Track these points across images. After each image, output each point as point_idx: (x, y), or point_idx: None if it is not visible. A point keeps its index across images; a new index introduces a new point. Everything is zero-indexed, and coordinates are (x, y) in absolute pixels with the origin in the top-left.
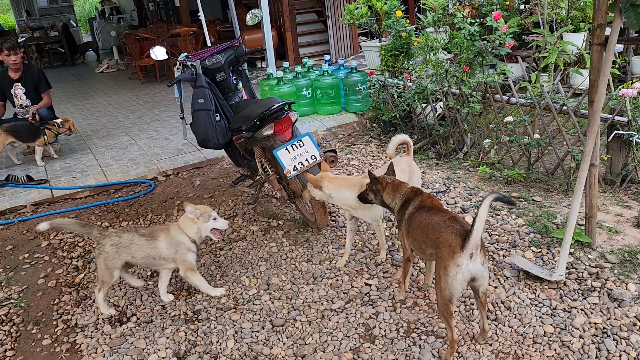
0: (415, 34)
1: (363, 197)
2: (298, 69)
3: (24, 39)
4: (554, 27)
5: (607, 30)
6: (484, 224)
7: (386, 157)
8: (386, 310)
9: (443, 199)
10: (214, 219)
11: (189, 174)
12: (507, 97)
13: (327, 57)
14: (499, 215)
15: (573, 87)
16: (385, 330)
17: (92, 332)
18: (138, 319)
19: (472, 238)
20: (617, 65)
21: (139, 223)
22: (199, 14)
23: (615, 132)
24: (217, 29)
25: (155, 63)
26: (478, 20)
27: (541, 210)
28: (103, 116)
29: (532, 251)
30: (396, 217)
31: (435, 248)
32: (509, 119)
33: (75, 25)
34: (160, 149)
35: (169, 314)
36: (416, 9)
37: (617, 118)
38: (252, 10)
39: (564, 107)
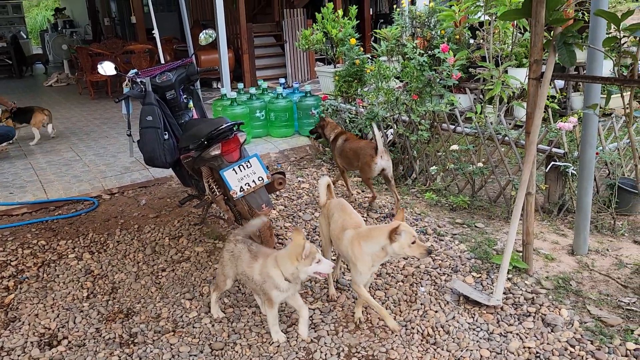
0: (370, 61)
1: (314, 131)
2: (252, 90)
3: None
4: (500, 62)
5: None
6: (381, 139)
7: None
8: (328, 334)
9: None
10: (318, 261)
11: (135, 193)
12: (454, 127)
13: (282, 80)
14: (442, 240)
15: (516, 119)
16: (325, 355)
17: (19, 356)
18: (69, 342)
19: (379, 147)
20: (557, 101)
21: (78, 242)
22: (153, 32)
23: (553, 163)
24: (174, 47)
25: (107, 79)
26: (428, 52)
27: (483, 237)
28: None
29: (473, 276)
30: (330, 147)
31: (361, 159)
32: (455, 147)
33: (25, 37)
34: (107, 166)
35: (103, 337)
36: (372, 38)
37: (554, 150)
38: (206, 30)
39: (506, 138)
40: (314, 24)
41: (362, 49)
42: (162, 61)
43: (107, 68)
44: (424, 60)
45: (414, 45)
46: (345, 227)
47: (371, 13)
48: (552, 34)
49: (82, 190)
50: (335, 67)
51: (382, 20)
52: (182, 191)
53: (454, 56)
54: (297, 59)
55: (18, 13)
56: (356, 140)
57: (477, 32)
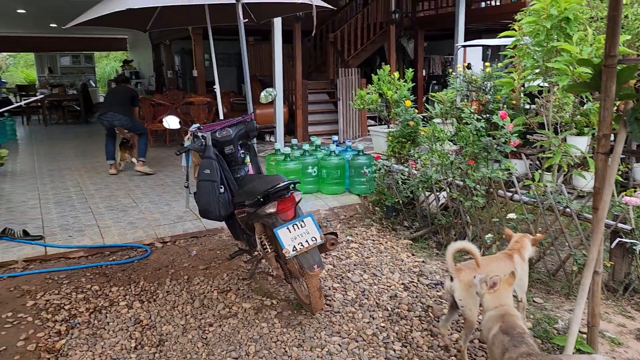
0: (423, 123)
1: None
2: (306, 146)
3: (42, 95)
4: (559, 130)
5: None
6: None
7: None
8: None
9: (442, 292)
10: None
11: (186, 243)
12: (511, 194)
13: (334, 137)
14: None
15: (576, 189)
16: None
17: None
18: None
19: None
20: (619, 172)
21: (130, 290)
22: (214, 86)
23: (619, 239)
24: (231, 100)
25: (166, 128)
26: (483, 116)
27: (542, 313)
28: (108, 176)
29: None
30: None
31: None
32: (512, 216)
33: (94, 85)
34: (161, 214)
35: None
36: (425, 99)
37: (620, 225)
38: (267, 89)
39: (567, 209)
40: (369, 84)
41: (416, 110)
42: (221, 115)
43: (171, 122)
44: (481, 126)
45: (472, 110)
46: None
47: (424, 74)
48: (621, 108)
49: (136, 237)
50: (388, 126)
51: (434, 82)
52: (232, 244)
53: (511, 121)
54: (349, 116)
55: (89, 63)
56: None
57: (535, 99)
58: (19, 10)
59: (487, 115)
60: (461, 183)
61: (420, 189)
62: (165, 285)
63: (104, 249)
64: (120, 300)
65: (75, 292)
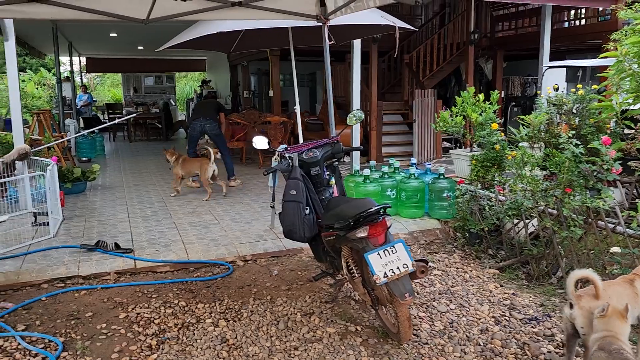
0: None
1: None
2: (385, 169)
3: (134, 115)
4: None
5: None
6: None
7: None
8: None
9: (537, 328)
10: None
11: (267, 262)
12: (613, 225)
13: (413, 159)
14: None
15: None
16: None
17: None
18: None
19: None
20: None
21: (215, 307)
22: (294, 107)
23: None
24: (305, 121)
25: (243, 146)
26: (581, 142)
27: None
28: (190, 192)
29: None
30: None
31: None
32: (616, 249)
33: (174, 104)
34: (242, 232)
35: None
36: (502, 119)
37: None
38: (354, 111)
39: None
40: (445, 106)
41: (502, 134)
42: (300, 134)
43: (259, 142)
44: (580, 152)
45: (569, 135)
46: None
47: (502, 95)
48: None
49: (219, 254)
50: (471, 150)
51: (513, 103)
52: (313, 265)
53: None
54: (424, 137)
55: (171, 83)
56: None
57: (638, 123)
58: (111, 34)
59: (579, 140)
60: (555, 212)
61: (508, 216)
62: (249, 305)
63: (189, 265)
64: (206, 317)
65: (163, 307)
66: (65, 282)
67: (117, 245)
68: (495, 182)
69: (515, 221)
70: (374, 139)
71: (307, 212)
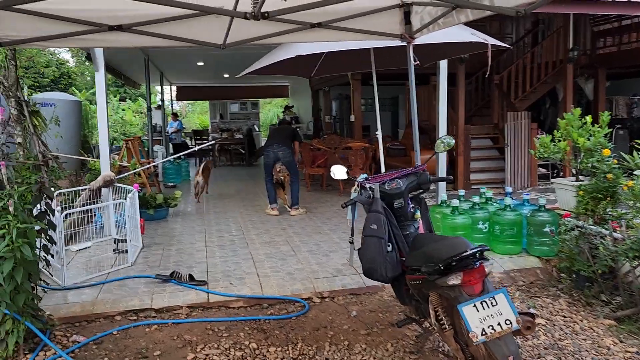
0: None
1: None
2: (476, 198)
3: (214, 141)
4: None
5: None
6: None
7: None
8: None
9: None
10: None
11: (345, 300)
12: None
13: (508, 189)
14: None
15: None
16: None
17: None
18: None
19: None
20: None
21: (287, 352)
22: (376, 132)
23: None
24: (387, 146)
25: (323, 172)
26: None
27: None
28: (268, 220)
29: None
30: None
31: None
32: None
33: (257, 130)
34: (319, 265)
35: None
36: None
37: None
38: (443, 137)
39: None
40: (544, 130)
41: (615, 161)
42: (382, 161)
43: (337, 172)
44: None
45: None
46: None
47: None
48: None
49: (294, 289)
50: (577, 179)
51: (618, 126)
52: (395, 306)
53: None
54: (517, 164)
55: (255, 109)
56: None
57: None
58: (199, 63)
59: None
60: None
61: (627, 257)
62: (324, 351)
63: (263, 300)
64: None
65: (233, 348)
66: (137, 314)
67: (191, 277)
68: (608, 216)
69: (636, 263)
70: (461, 164)
71: (389, 249)
